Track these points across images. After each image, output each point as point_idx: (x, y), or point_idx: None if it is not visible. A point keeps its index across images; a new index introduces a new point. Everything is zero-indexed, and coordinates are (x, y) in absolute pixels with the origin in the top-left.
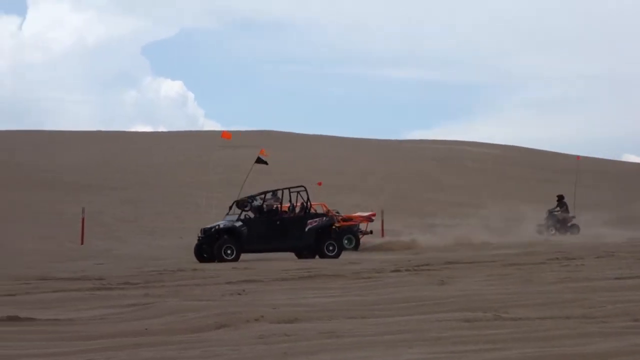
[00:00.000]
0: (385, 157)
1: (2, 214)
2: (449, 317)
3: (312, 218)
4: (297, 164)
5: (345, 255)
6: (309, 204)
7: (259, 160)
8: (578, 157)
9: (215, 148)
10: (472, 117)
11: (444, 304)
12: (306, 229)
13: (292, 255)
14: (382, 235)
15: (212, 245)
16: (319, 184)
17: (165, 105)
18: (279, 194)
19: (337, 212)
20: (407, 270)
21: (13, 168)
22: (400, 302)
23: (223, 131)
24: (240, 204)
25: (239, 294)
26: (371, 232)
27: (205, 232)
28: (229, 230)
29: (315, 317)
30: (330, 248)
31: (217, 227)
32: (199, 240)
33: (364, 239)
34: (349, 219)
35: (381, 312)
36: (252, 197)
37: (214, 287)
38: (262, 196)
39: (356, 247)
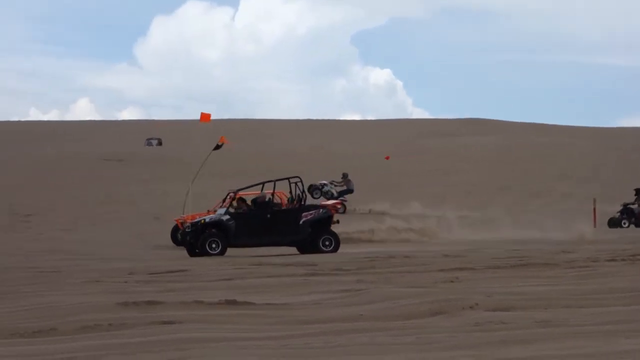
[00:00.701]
0: (599, 145)
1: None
2: None
3: (307, 210)
4: (507, 151)
5: (558, 244)
6: (304, 196)
7: (217, 147)
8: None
9: (423, 136)
10: None
11: None
12: (300, 222)
13: (500, 243)
14: (595, 225)
15: (198, 239)
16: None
17: (374, 94)
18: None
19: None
20: (623, 259)
21: (225, 156)
22: (617, 292)
23: (202, 113)
24: (312, 188)
25: (452, 282)
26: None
27: (193, 225)
28: (216, 224)
29: (530, 305)
30: (327, 243)
31: (203, 220)
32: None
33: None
34: None
35: (598, 301)
36: (323, 184)
37: (426, 274)
38: (333, 182)
39: None
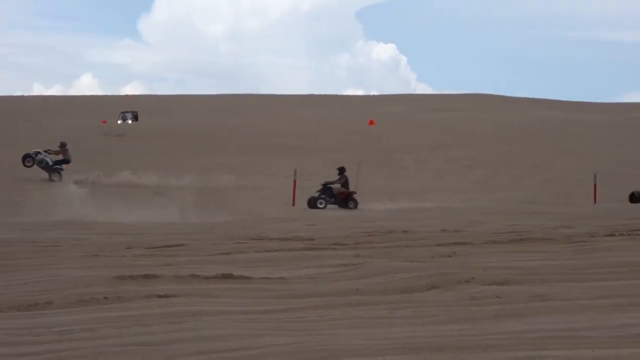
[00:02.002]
0: (602, 120)
1: (218, 175)
2: None
3: None
4: (509, 126)
5: (557, 220)
6: None
7: None
8: (371, 121)
9: (425, 111)
10: None
11: None
12: None
13: (501, 217)
14: (595, 202)
15: None
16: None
17: (377, 69)
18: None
19: None
20: (621, 234)
21: (228, 131)
22: (614, 266)
23: None
24: (25, 157)
25: (449, 256)
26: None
27: None
28: None
29: (526, 280)
30: None
31: None
32: None
33: None
34: None
35: (594, 276)
36: (36, 152)
37: (423, 248)
38: (49, 151)
39: None
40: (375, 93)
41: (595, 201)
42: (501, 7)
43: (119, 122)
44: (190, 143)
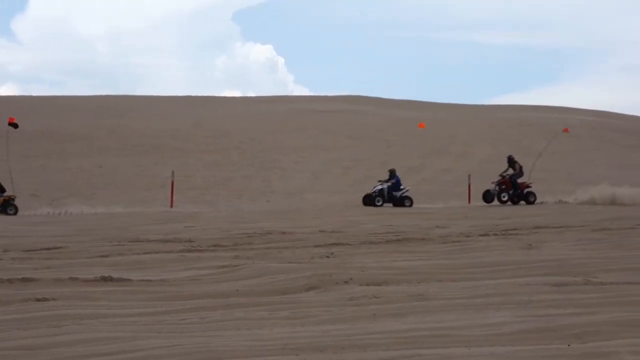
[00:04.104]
0: (472, 122)
1: (94, 177)
2: (538, 281)
3: None
4: (385, 127)
5: (433, 220)
6: None
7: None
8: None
9: (303, 112)
10: (561, 82)
11: (533, 268)
12: None
13: (378, 218)
14: (469, 202)
15: None
16: None
17: (255, 70)
18: None
19: None
20: (495, 234)
21: (105, 133)
22: (488, 266)
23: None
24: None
25: (328, 257)
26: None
27: None
28: None
29: (403, 280)
30: None
31: None
32: None
33: None
34: None
35: (470, 275)
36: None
37: (302, 250)
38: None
39: None
40: (253, 94)
41: (469, 201)
42: (377, 10)
43: None
44: (68, 145)
